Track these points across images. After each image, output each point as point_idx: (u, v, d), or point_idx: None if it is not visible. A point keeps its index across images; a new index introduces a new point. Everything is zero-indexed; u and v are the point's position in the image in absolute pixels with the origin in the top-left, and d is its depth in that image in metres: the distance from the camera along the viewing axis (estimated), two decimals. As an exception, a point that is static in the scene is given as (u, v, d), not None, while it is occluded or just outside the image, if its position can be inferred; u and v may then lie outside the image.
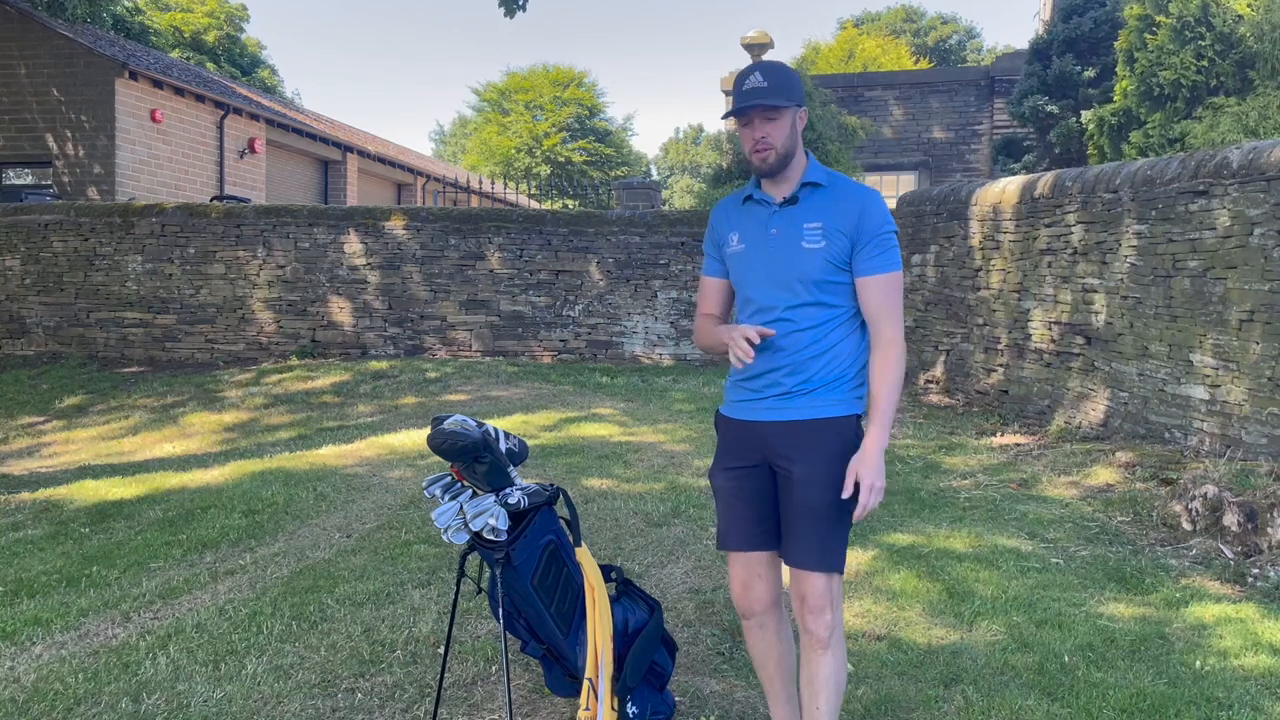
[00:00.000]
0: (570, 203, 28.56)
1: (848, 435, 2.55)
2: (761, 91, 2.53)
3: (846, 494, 2.45)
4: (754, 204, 2.68)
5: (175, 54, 29.73)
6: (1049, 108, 14.21)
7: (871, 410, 2.54)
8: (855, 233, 2.55)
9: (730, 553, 2.71)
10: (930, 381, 9.76)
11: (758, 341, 2.51)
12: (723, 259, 2.74)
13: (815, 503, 2.51)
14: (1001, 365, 8.69)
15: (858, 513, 2.46)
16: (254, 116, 20.62)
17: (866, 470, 2.45)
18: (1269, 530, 4.80)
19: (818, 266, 2.55)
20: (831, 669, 2.56)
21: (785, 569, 2.69)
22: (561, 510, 3.00)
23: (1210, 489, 5.15)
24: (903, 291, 2.61)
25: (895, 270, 2.56)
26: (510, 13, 10.04)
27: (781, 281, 2.57)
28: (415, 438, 7.60)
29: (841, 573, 2.58)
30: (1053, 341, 7.98)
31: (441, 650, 3.35)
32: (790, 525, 2.58)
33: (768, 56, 18.69)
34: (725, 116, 2.65)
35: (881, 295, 2.55)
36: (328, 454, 7.39)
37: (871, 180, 17.05)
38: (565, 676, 2.99)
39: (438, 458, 2.95)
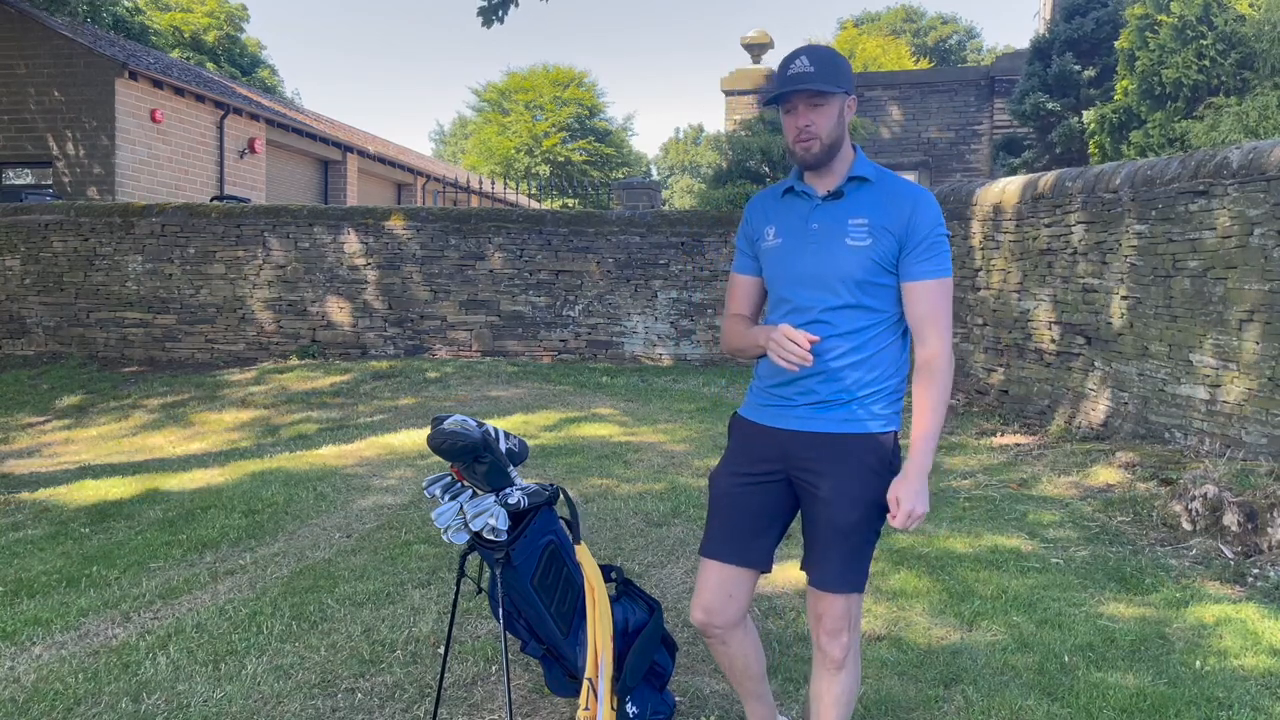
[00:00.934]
0: (570, 202, 28.57)
1: (884, 453, 2.39)
2: (808, 76, 2.35)
3: (893, 522, 2.32)
4: (794, 196, 2.50)
5: (175, 54, 29.74)
6: (1050, 105, 14.20)
7: (914, 429, 2.36)
8: (905, 233, 2.37)
9: (708, 561, 2.51)
10: (930, 381, 9.76)
11: (806, 345, 2.32)
12: (756, 255, 2.55)
13: (843, 522, 2.36)
14: (1002, 365, 8.69)
15: (895, 525, 2.34)
16: (254, 116, 20.63)
17: (905, 494, 2.31)
18: (1269, 530, 4.80)
19: (861, 266, 2.37)
20: (843, 688, 2.44)
21: (761, 580, 2.60)
22: (562, 510, 3.00)
23: (1210, 489, 5.15)
24: (953, 299, 2.45)
25: (945, 276, 2.38)
26: (488, 23, 9.97)
27: (820, 280, 2.39)
28: (415, 438, 7.60)
29: (862, 592, 2.44)
30: (1053, 341, 7.98)
31: (441, 650, 3.35)
32: (813, 543, 2.43)
33: (768, 56, 18.68)
34: (767, 103, 2.45)
35: (929, 303, 2.37)
36: (328, 454, 7.39)
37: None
38: (565, 676, 2.99)
39: (438, 458, 2.95)
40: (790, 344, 2.32)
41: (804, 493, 2.44)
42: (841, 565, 2.38)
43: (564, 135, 39.20)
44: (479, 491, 2.83)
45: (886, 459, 2.40)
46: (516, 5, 9.89)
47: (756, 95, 17.60)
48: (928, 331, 2.38)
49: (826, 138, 2.39)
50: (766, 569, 2.55)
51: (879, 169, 2.49)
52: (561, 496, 2.96)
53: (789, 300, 2.46)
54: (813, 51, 2.40)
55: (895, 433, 2.44)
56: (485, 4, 9.69)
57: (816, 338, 2.36)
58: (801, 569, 2.49)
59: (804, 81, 2.35)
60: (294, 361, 11.78)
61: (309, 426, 8.83)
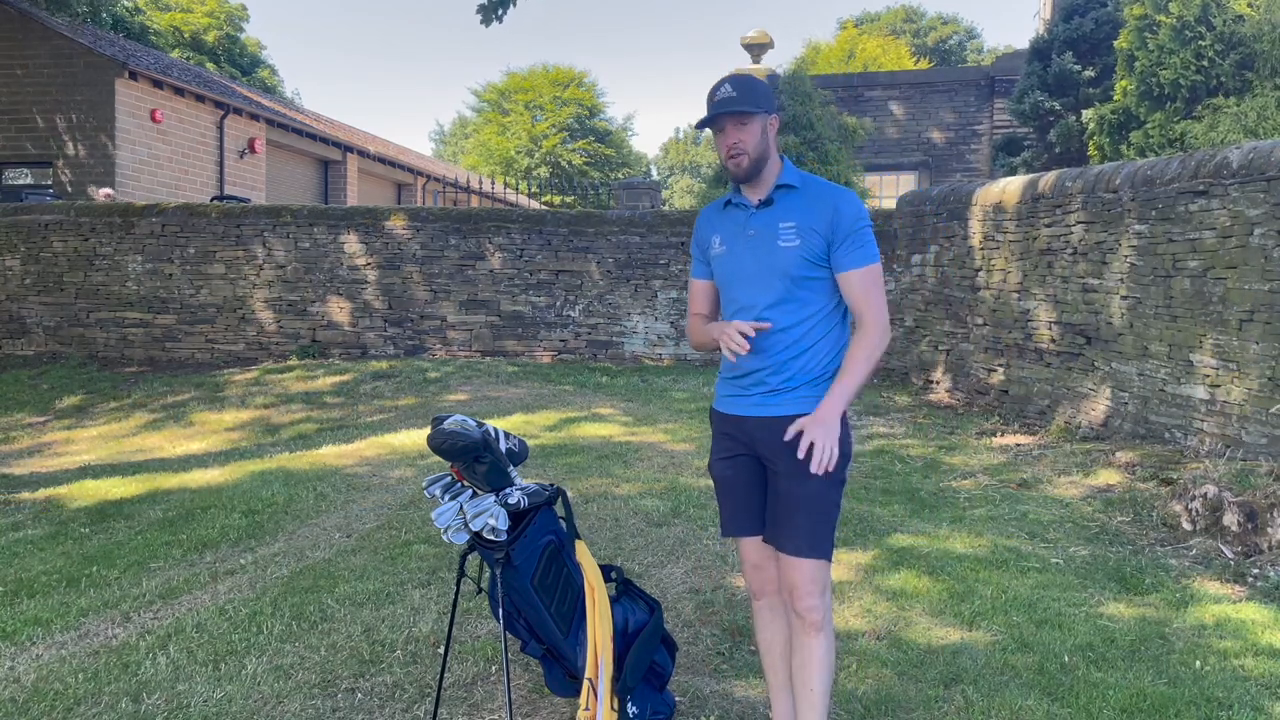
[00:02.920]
0: (569, 200, 28.56)
1: None
2: (731, 100, 2.67)
3: (801, 453, 2.51)
4: (733, 208, 2.82)
5: (175, 54, 29.73)
6: (1050, 104, 14.20)
7: (837, 378, 2.64)
8: (830, 231, 2.66)
9: (739, 539, 2.84)
10: (930, 381, 9.76)
11: (752, 334, 2.61)
12: (708, 261, 2.87)
13: (800, 492, 2.63)
14: (1002, 365, 8.69)
15: (813, 466, 2.50)
16: (254, 116, 20.62)
17: (814, 426, 2.53)
18: (1269, 530, 4.80)
19: (794, 263, 2.67)
20: (823, 651, 2.67)
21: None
22: (561, 510, 3.00)
23: (1210, 489, 5.15)
24: (883, 280, 2.73)
25: (874, 263, 2.69)
26: (487, 21, 9.92)
27: (761, 280, 2.70)
28: (415, 437, 7.60)
29: (829, 559, 2.70)
30: (1053, 341, 7.98)
31: (441, 650, 3.35)
32: (777, 515, 2.70)
33: (768, 56, 18.68)
34: (698, 126, 2.76)
35: (862, 288, 2.67)
36: (328, 454, 7.39)
37: (871, 180, 17.01)
38: (565, 676, 2.99)
39: (438, 457, 2.95)
40: (737, 336, 2.61)
41: (769, 471, 2.73)
42: (807, 533, 2.65)
43: (564, 136, 39.17)
44: (479, 491, 2.83)
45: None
46: (515, 4, 9.84)
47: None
48: (864, 312, 2.68)
49: (753, 152, 2.70)
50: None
51: (804, 176, 2.80)
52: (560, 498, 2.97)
53: (736, 300, 2.77)
54: (735, 79, 2.74)
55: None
56: (485, 2, 9.64)
57: (766, 325, 2.66)
58: (767, 541, 2.74)
59: (729, 105, 2.68)
60: (294, 361, 11.78)
61: (309, 426, 8.83)
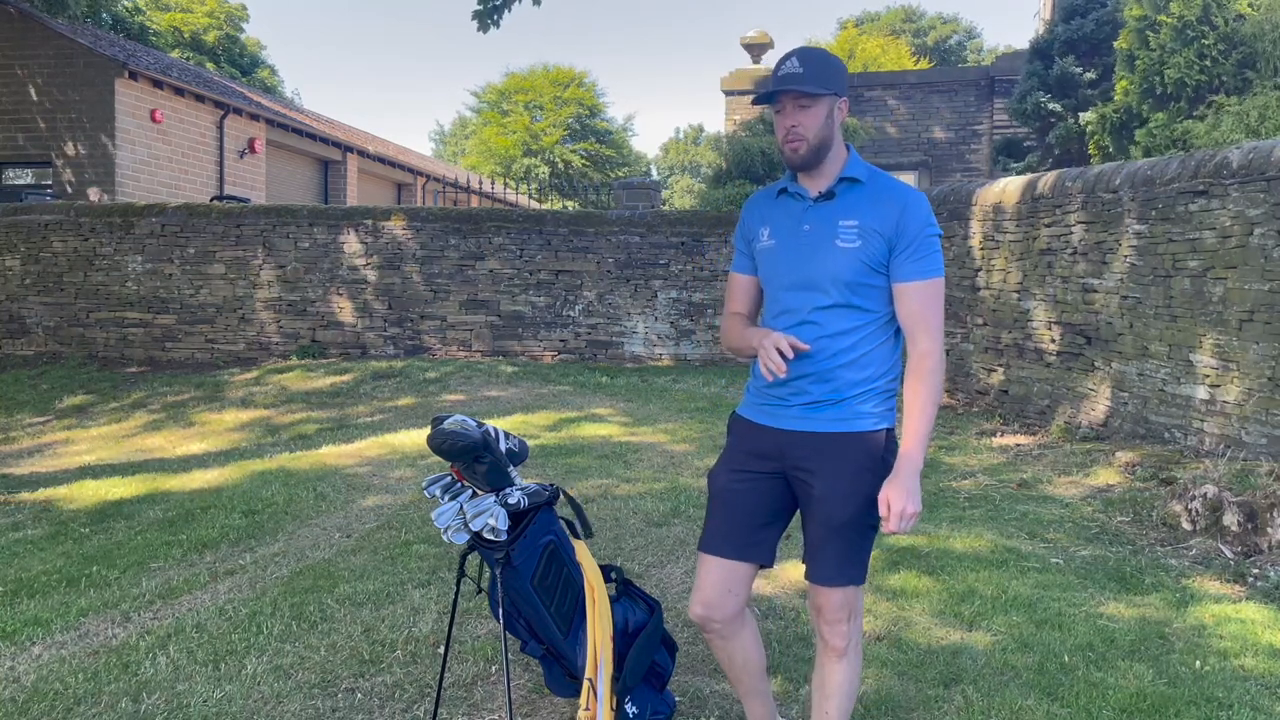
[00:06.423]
0: (570, 203, 28.56)
1: (876, 450, 2.42)
2: (796, 78, 2.38)
3: (885, 527, 2.32)
4: (788, 197, 2.52)
5: (175, 54, 29.72)
6: (1050, 105, 14.19)
7: (906, 429, 2.38)
8: (894, 235, 2.38)
9: (707, 556, 2.55)
10: (930, 381, 9.75)
11: (791, 355, 2.35)
12: (753, 255, 2.59)
13: (837, 519, 2.40)
14: (1002, 365, 8.69)
15: (891, 525, 2.30)
16: (254, 116, 20.62)
17: (896, 494, 2.30)
18: (1269, 530, 4.80)
19: (851, 267, 2.39)
20: (844, 677, 2.50)
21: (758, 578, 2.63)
22: (564, 510, 3.00)
23: (1210, 489, 5.15)
24: (944, 299, 2.44)
25: (936, 277, 2.40)
26: (484, 27, 9.88)
27: (811, 281, 2.42)
28: (415, 437, 7.60)
29: (861, 584, 2.48)
30: (1053, 341, 7.98)
31: (441, 650, 3.35)
32: (811, 540, 2.47)
33: (768, 56, 18.69)
34: (756, 102, 2.51)
35: (920, 303, 2.39)
36: (328, 454, 7.39)
37: (871, 180, 16.96)
38: (565, 676, 2.99)
39: (438, 457, 2.95)
40: (775, 354, 2.35)
41: (800, 490, 2.48)
42: (837, 560, 2.43)
43: (564, 134, 39.16)
44: (479, 491, 2.83)
45: (879, 455, 2.43)
46: (510, 10, 9.79)
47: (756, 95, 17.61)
48: (918, 332, 2.41)
49: (814, 139, 2.42)
50: (768, 563, 2.58)
51: (871, 170, 2.50)
52: (562, 496, 2.97)
53: (781, 300, 2.50)
54: (804, 53, 2.44)
55: (888, 430, 2.47)
56: (480, 7, 9.60)
57: (806, 346, 2.38)
58: (803, 562, 2.53)
59: (792, 82, 2.39)
60: (294, 361, 11.78)
61: (309, 426, 8.83)
